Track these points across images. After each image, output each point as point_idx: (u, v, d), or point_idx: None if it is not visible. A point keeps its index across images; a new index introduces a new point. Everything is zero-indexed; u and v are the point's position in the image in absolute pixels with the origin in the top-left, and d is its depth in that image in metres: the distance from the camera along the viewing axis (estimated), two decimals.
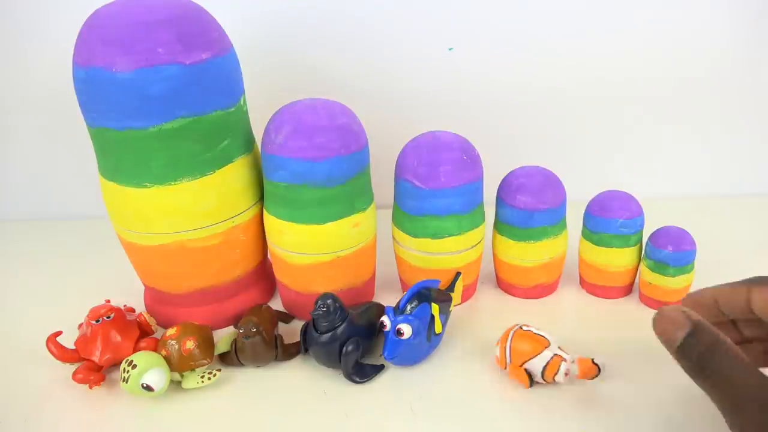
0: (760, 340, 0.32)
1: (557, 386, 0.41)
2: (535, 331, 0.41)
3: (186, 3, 0.40)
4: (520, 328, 0.41)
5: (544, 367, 0.39)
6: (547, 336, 0.40)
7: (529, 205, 0.46)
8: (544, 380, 0.40)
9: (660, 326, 0.29)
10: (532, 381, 0.40)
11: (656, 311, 0.29)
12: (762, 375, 0.25)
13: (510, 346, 0.40)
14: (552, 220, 0.47)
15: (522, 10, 0.59)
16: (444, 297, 0.44)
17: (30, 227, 0.69)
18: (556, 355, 0.39)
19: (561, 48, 0.62)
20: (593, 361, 0.39)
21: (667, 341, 0.28)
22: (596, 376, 0.39)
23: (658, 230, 0.47)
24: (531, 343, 0.40)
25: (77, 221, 0.69)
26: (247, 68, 0.46)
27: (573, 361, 0.39)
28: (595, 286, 0.51)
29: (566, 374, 0.39)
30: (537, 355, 0.39)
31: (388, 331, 0.41)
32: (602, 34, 0.61)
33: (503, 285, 0.53)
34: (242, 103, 0.44)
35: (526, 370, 0.40)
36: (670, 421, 0.38)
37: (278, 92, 0.52)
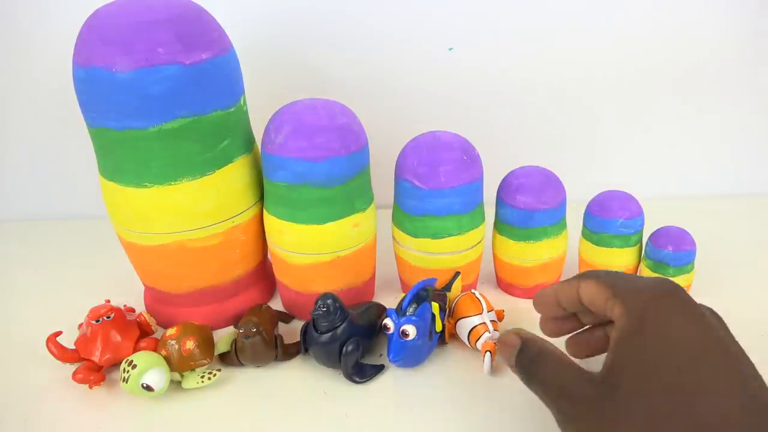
0: (598, 325, 0.36)
1: None
2: (478, 296, 0.45)
3: (186, 3, 0.40)
4: (471, 292, 0.45)
5: (470, 331, 0.43)
6: (484, 305, 0.44)
7: (528, 205, 0.46)
8: (469, 343, 0.43)
9: (501, 350, 0.33)
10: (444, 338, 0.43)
11: (498, 338, 0.33)
12: (577, 372, 0.29)
13: (455, 303, 0.44)
14: (552, 220, 0.47)
15: (522, 9, 0.59)
16: (440, 296, 0.45)
17: (30, 227, 0.69)
18: (483, 323, 0.43)
19: (562, 48, 0.62)
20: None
21: (506, 361, 0.32)
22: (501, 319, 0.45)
23: (658, 230, 0.47)
24: (469, 305, 0.44)
25: (77, 221, 0.69)
26: (247, 68, 0.46)
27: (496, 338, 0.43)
28: None
29: (491, 350, 0.42)
30: (468, 317, 0.43)
31: (392, 334, 0.41)
32: (603, 33, 0.61)
33: (503, 285, 0.53)
34: (242, 103, 0.44)
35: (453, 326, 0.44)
36: None
37: (278, 92, 0.52)
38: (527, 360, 0.31)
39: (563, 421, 0.29)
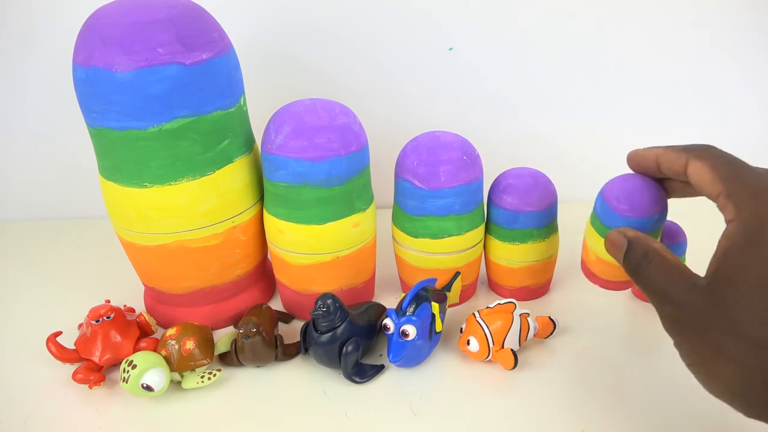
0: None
1: (557, 386, 0.41)
2: (494, 305, 0.44)
3: (186, 3, 0.40)
4: (479, 311, 0.43)
5: (519, 333, 0.42)
6: (502, 302, 0.44)
7: (514, 206, 0.46)
8: (520, 346, 0.43)
9: (608, 249, 0.33)
10: (516, 360, 0.41)
11: (606, 236, 0.34)
12: (682, 276, 0.28)
13: (489, 330, 0.42)
14: (538, 223, 0.47)
15: (522, 9, 0.59)
16: (440, 295, 0.45)
17: (30, 227, 0.69)
18: (521, 315, 0.43)
19: (562, 47, 0.62)
20: (550, 318, 0.45)
21: (616, 259, 0.33)
22: (553, 332, 0.45)
23: None
24: (503, 316, 0.42)
25: (77, 221, 0.69)
26: (247, 68, 0.46)
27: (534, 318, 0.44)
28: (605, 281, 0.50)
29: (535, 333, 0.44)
30: (511, 325, 0.42)
31: (392, 334, 0.41)
32: (603, 33, 0.61)
33: (492, 285, 0.53)
34: (242, 103, 0.44)
35: (510, 349, 0.42)
36: (668, 420, 0.38)
37: (278, 92, 0.52)
38: (634, 261, 0.31)
39: (668, 325, 0.28)
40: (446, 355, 0.45)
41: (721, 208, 0.28)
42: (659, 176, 0.34)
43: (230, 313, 0.49)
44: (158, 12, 0.37)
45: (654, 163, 0.33)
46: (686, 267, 0.29)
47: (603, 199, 0.35)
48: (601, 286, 0.39)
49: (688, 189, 0.34)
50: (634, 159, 0.35)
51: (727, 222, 0.27)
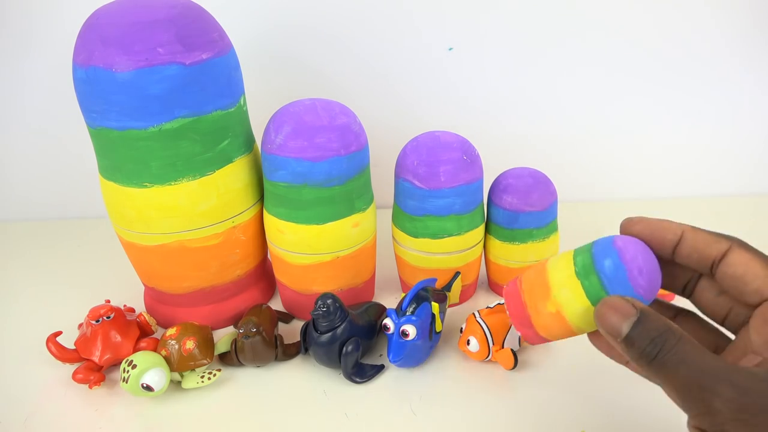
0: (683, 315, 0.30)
1: (557, 386, 0.41)
2: (494, 305, 0.43)
3: (186, 3, 0.40)
4: (479, 311, 0.43)
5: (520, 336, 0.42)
6: (502, 302, 0.43)
7: (514, 206, 0.46)
8: (520, 346, 0.42)
9: (603, 318, 0.25)
10: (516, 360, 0.41)
11: (598, 305, 0.26)
12: (720, 358, 0.23)
13: (489, 330, 0.42)
14: (538, 223, 0.47)
15: (522, 9, 0.59)
16: (440, 295, 0.45)
17: (30, 227, 0.69)
18: None
19: (562, 47, 0.62)
20: None
21: (611, 332, 0.25)
22: None
23: None
24: (503, 316, 0.42)
25: (77, 221, 0.69)
26: (247, 68, 0.46)
27: None
28: None
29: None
30: (511, 325, 0.42)
31: (392, 334, 0.41)
32: (603, 34, 0.61)
33: (492, 285, 0.53)
34: (242, 103, 0.44)
35: (510, 349, 0.41)
36: (669, 420, 0.38)
37: (278, 92, 0.52)
38: (646, 340, 0.24)
39: (707, 421, 0.23)
40: (446, 355, 0.45)
41: None
42: (665, 257, 0.27)
43: (230, 313, 0.49)
44: (158, 12, 0.37)
45: (674, 239, 0.27)
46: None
47: (621, 261, 0.26)
48: (526, 338, 0.30)
49: (690, 281, 0.29)
50: (645, 227, 0.28)
51: None
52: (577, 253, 0.28)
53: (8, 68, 0.62)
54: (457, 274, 0.48)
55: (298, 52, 0.62)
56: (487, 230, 0.50)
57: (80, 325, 0.45)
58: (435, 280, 0.46)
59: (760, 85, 0.64)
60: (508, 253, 0.49)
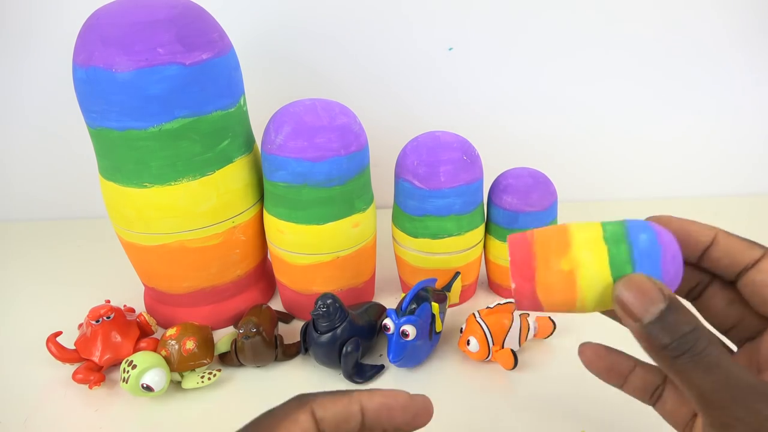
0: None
1: (557, 386, 0.41)
2: (494, 305, 0.43)
3: (186, 3, 0.40)
4: (479, 311, 0.43)
5: (519, 333, 0.42)
6: (502, 302, 0.43)
7: (514, 206, 0.46)
8: (520, 346, 0.43)
9: (624, 298, 0.23)
10: (516, 360, 0.41)
11: (622, 280, 0.23)
12: (752, 372, 0.22)
13: (489, 330, 0.42)
14: (538, 223, 0.47)
15: (522, 9, 0.59)
16: (440, 295, 0.45)
17: (30, 227, 0.69)
18: (521, 315, 0.42)
19: (562, 47, 0.62)
20: (550, 318, 0.44)
21: (630, 314, 0.22)
22: (553, 332, 0.44)
23: None
24: (503, 316, 0.42)
25: (77, 221, 0.69)
26: (247, 68, 0.46)
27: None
28: None
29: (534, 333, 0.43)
30: (511, 325, 0.42)
31: (392, 334, 0.41)
32: (603, 33, 0.61)
33: (492, 285, 0.53)
34: (242, 103, 0.44)
35: (510, 349, 0.41)
36: None
37: (278, 92, 0.52)
38: (675, 331, 0.21)
39: (736, 420, 0.21)
40: (446, 355, 0.45)
41: None
42: (691, 259, 0.26)
43: (230, 313, 0.49)
44: (158, 12, 0.37)
45: (707, 242, 0.25)
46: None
47: (658, 240, 0.23)
48: (518, 296, 0.25)
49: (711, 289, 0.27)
50: (679, 226, 0.26)
51: None
52: (606, 222, 0.24)
53: (8, 68, 0.62)
54: (457, 274, 0.48)
55: (298, 53, 0.62)
56: (487, 230, 0.50)
57: (80, 325, 0.45)
58: (435, 280, 0.46)
59: (761, 84, 0.64)
60: (508, 254, 0.48)
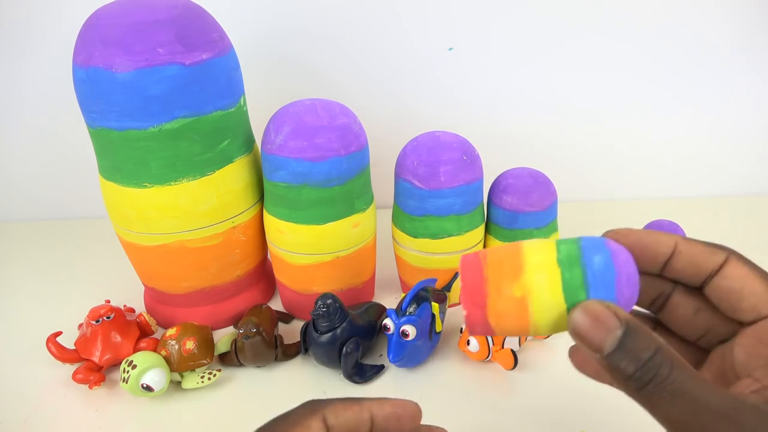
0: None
1: (557, 386, 0.41)
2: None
3: (186, 3, 0.40)
4: None
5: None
6: None
7: (514, 206, 0.46)
8: (520, 346, 0.42)
9: (579, 328, 0.21)
10: (516, 360, 0.41)
11: (576, 309, 0.22)
12: (721, 388, 0.21)
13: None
14: (538, 223, 0.47)
15: (522, 9, 0.59)
16: (440, 295, 0.45)
17: (30, 227, 0.69)
18: None
19: (562, 46, 0.62)
20: None
21: (591, 346, 0.21)
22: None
23: (649, 224, 0.48)
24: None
25: (77, 221, 0.69)
26: (247, 68, 0.46)
27: None
28: None
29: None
30: None
31: (392, 334, 0.41)
32: (603, 33, 0.61)
33: None
34: (242, 103, 0.44)
35: (510, 349, 0.41)
36: None
37: (278, 92, 0.52)
38: (636, 361, 0.20)
39: None
40: (446, 355, 0.45)
41: None
42: (653, 271, 0.25)
43: (230, 313, 0.49)
44: (158, 12, 0.37)
45: (667, 252, 0.24)
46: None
47: (613, 261, 0.22)
48: (469, 322, 0.24)
49: (674, 298, 0.26)
50: (637, 239, 0.25)
51: None
52: (561, 242, 0.23)
53: (8, 68, 0.62)
54: (457, 274, 0.48)
55: (298, 53, 0.62)
56: (487, 230, 0.50)
57: (80, 325, 0.45)
58: (435, 280, 0.46)
59: (762, 84, 0.64)
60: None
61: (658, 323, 0.27)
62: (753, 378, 0.21)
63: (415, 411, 0.25)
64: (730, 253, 0.23)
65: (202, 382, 0.41)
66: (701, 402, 0.20)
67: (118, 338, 0.43)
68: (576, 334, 0.22)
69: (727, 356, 0.24)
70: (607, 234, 0.25)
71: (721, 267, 0.23)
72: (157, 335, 0.47)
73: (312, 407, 0.23)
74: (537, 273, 0.23)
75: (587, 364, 0.27)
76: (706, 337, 0.25)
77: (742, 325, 0.23)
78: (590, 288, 0.22)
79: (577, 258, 0.23)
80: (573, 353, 0.27)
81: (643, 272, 0.24)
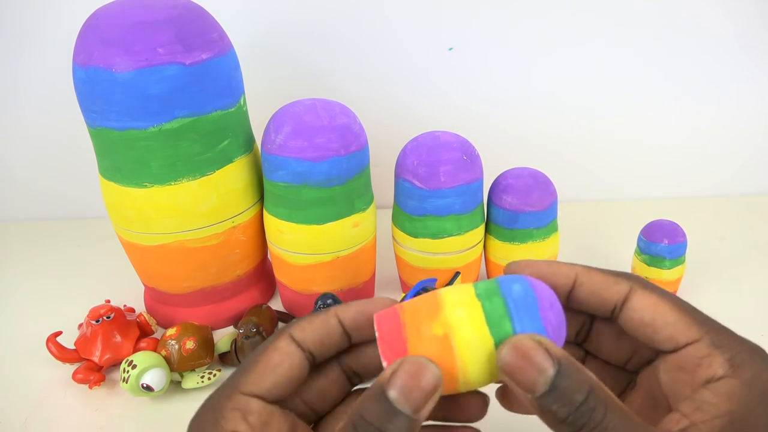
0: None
1: None
2: None
3: (186, 3, 0.40)
4: None
5: None
6: None
7: (514, 206, 0.46)
8: None
9: (510, 366, 0.20)
10: None
11: (505, 345, 0.20)
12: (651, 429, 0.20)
13: None
14: (538, 223, 0.47)
15: (522, 9, 0.59)
16: None
17: (30, 227, 0.69)
18: None
19: (563, 47, 0.62)
20: None
21: (524, 385, 0.20)
22: None
23: (649, 225, 0.48)
24: None
25: (77, 221, 0.69)
26: (247, 68, 0.46)
27: None
28: None
29: None
30: None
31: None
32: (604, 34, 0.61)
33: None
34: (242, 103, 0.44)
35: None
36: None
37: (278, 92, 0.52)
38: (569, 402, 0.19)
39: None
40: None
41: (699, 359, 0.21)
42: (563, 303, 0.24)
43: (230, 313, 0.49)
44: (158, 12, 0.37)
45: (568, 284, 0.24)
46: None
47: (532, 288, 0.22)
48: None
49: (599, 327, 0.26)
50: (534, 270, 0.24)
51: (716, 379, 0.21)
52: (478, 282, 0.23)
53: (8, 68, 0.62)
54: (457, 274, 0.48)
55: (298, 52, 0.62)
56: (487, 230, 0.50)
57: (80, 325, 0.45)
58: (435, 280, 0.46)
59: (762, 84, 0.64)
60: (508, 253, 0.49)
61: (587, 352, 0.27)
62: (681, 413, 0.21)
63: (386, 305, 0.24)
64: (634, 283, 0.23)
65: (202, 382, 0.41)
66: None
67: (118, 338, 0.43)
68: (507, 372, 0.20)
69: (653, 378, 0.24)
70: (508, 265, 0.24)
71: (626, 298, 0.23)
72: (157, 335, 0.47)
73: (278, 332, 0.24)
74: (456, 308, 0.21)
75: (516, 402, 0.26)
76: (633, 360, 0.25)
77: (662, 353, 0.23)
78: (514, 316, 0.21)
79: (495, 290, 0.22)
80: (501, 394, 0.26)
81: None
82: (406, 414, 0.19)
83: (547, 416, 0.20)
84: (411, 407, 0.19)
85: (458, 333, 0.21)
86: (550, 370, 0.19)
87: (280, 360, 0.23)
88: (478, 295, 0.22)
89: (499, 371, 0.21)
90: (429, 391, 0.20)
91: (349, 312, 0.24)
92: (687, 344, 0.22)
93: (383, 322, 0.22)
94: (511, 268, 0.24)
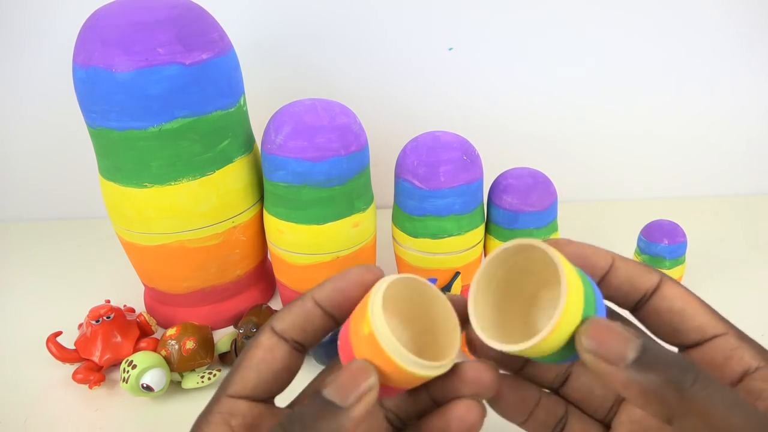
0: None
1: None
2: None
3: (186, 3, 0.40)
4: None
5: None
6: None
7: (514, 206, 0.46)
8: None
9: (597, 338, 0.19)
10: None
11: (586, 323, 0.20)
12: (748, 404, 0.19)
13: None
14: (538, 223, 0.47)
15: (522, 9, 0.59)
16: None
17: (30, 227, 0.69)
18: None
19: (563, 47, 0.62)
20: None
21: (615, 355, 0.19)
22: None
23: (648, 225, 0.48)
24: None
25: (77, 221, 0.69)
26: (247, 68, 0.46)
27: None
28: None
29: None
30: None
31: None
32: (603, 33, 0.61)
33: None
34: (242, 103, 0.44)
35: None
36: None
37: (278, 92, 0.52)
38: (674, 363, 0.19)
39: None
40: None
41: (731, 351, 0.21)
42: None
43: (230, 313, 0.49)
44: (158, 12, 0.37)
45: (605, 267, 0.23)
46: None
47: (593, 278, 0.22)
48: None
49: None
50: (576, 249, 0.23)
51: (754, 370, 0.20)
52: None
53: (8, 68, 0.62)
54: (457, 274, 0.48)
55: (298, 52, 0.62)
56: (487, 230, 0.50)
57: (80, 325, 0.45)
58: (435, 280, 0.46)
59: (763, 84, 0.64)
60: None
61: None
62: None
63: (361, 276, 0.23)
64: (663, 275, 0.23)
65: (202, 382, 0.41)
66: (729, 415, 0.18)
67: (118, 338, 0.43)
68: (591, 350, 0.19)
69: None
70: (547, 241, 0.22)
71: (657, 288, 0.22)
72: (157, 335, 0.47)
73: (260, 329, 0.23)
74: (375, 305, 0.21)
75: (510, 408, 0.26)
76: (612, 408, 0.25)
77: (682, 348, 0.22)
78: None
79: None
80: (495, 402, 0.26)
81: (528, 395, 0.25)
82: (339, 405, 0.19)
83: (638, 387, 0.18)
84: (344, 401, 0.19)
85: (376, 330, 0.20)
86: (635, 339, 0.19)
87: (263, 356, 0.22)
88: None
89: (580, 352, 0.20)
90: (363, 390, 0.20)
91: (324, 292, 0.23)
92: (714, 336, 0.21)
93: (340, 335, 0.23)
94: (553, 243, 0.23)
